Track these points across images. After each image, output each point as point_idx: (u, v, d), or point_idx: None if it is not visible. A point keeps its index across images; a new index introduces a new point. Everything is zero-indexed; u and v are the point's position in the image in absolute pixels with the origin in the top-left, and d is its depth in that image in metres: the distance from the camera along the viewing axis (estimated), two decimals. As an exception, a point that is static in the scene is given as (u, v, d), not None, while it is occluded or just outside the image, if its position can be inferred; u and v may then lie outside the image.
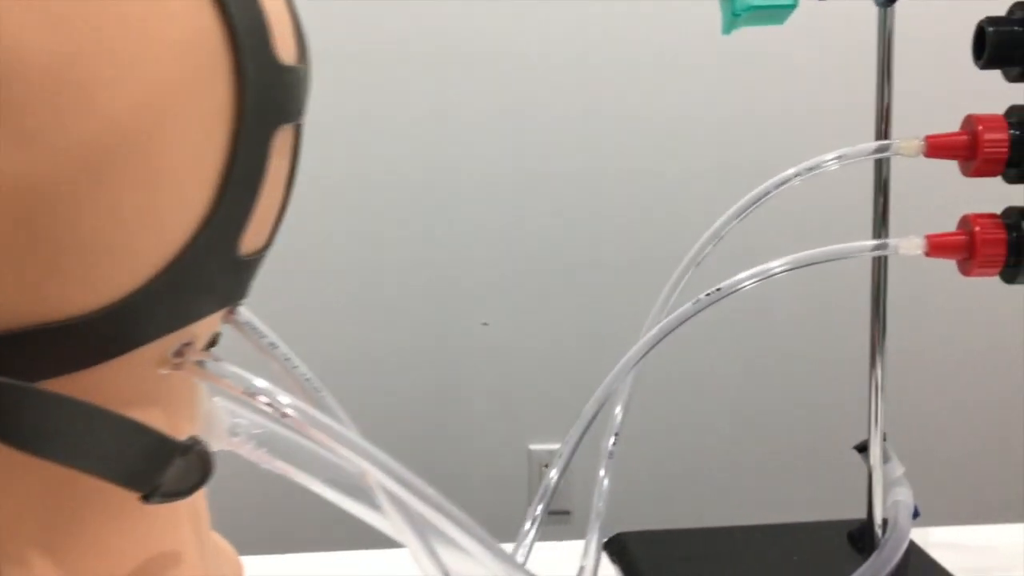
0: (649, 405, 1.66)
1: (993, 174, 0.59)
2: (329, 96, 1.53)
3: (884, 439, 0.83)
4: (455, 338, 1.63)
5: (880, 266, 0.70)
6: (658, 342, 0.62)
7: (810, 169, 0.61)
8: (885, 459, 0.83)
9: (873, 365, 0.72)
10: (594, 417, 0.63)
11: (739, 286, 0.61)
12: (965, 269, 0.60)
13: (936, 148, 0.59)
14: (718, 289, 0.62)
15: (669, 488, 1.67)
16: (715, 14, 0.62)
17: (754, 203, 0.62)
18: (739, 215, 0.63)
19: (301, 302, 1.58)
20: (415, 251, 1.59)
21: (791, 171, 0.61)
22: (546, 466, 1.76)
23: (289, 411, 0.38)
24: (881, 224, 0.69)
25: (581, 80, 1.57)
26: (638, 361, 0.62)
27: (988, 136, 0.58)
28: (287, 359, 0.42)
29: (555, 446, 1.69)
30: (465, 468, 1.64)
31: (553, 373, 1.65)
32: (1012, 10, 0.59)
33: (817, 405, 1.66)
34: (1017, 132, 0.58)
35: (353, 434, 0.40)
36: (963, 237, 0.59)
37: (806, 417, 1.67)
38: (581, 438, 0.63)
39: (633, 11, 1.56)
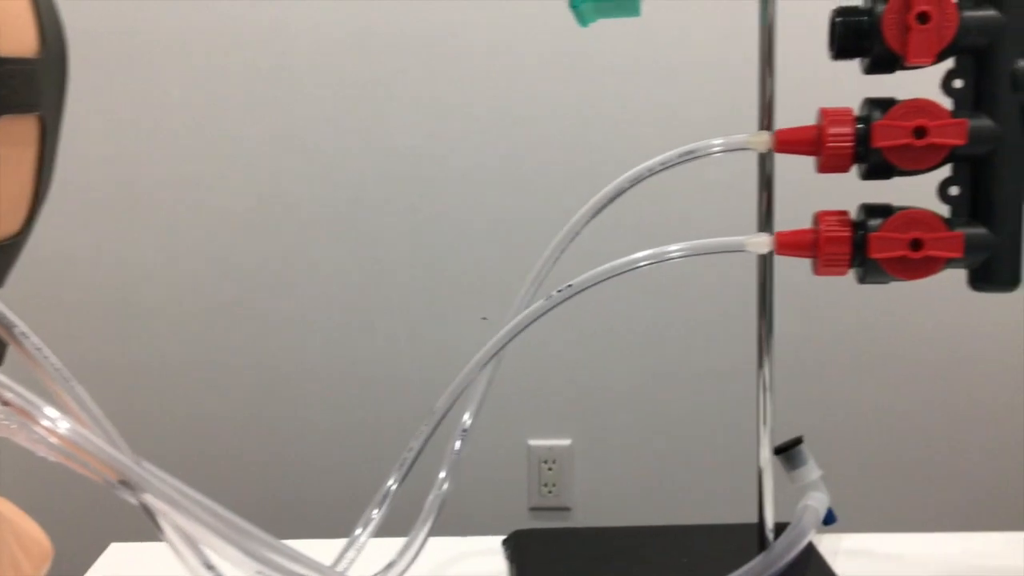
0: (651, 403, 1.64)
1: (842, 170, 0.57)
2: (328, 88, 1.55)
3: (801, 441, 0.81)
4: (454, 333, 1.62)
5: (766, 264, 0.68)
6: (508, 342, 0.62)
7: (663, 163, 0.60)
8: (802, 462, 0.81)
9: (760, 365, 0.70)
10: (444, 415, 0.62)
11: (592, 282, 0.60)
12: (815, 268, 0.58)
13: (784, 143, 0.57)
14: (569, 285, 0.61)
15: (673, 485, 1.65)
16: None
17: (608, 200, 0.61)
18: (593, 212, 0.62)
19: (301, 299, 1.60)
20: (414, 245, 1.59)
21: (643, 166, 0.60)
22: (544, 462, 1.75)
23: (10, 396, 0.39)
24: (765, 221, 0.67)
25: (576, 76, 1.55)
26: (488, 360, 0.62)
27: (832, 130, 0.55)
28: (38, 349, 0.43)
29: (555, 442, 1.68)
30: (464, 463, 1.64)
31: (553, 369, 1.64)
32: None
33: (818, 404, 1.62)
34: (864, 126, 0.55)
35: (85, 430, 0.40)
36: (810, 235, 0.57)
37: (806, 415, 1.63)
38: (430, 437, 0.63)
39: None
